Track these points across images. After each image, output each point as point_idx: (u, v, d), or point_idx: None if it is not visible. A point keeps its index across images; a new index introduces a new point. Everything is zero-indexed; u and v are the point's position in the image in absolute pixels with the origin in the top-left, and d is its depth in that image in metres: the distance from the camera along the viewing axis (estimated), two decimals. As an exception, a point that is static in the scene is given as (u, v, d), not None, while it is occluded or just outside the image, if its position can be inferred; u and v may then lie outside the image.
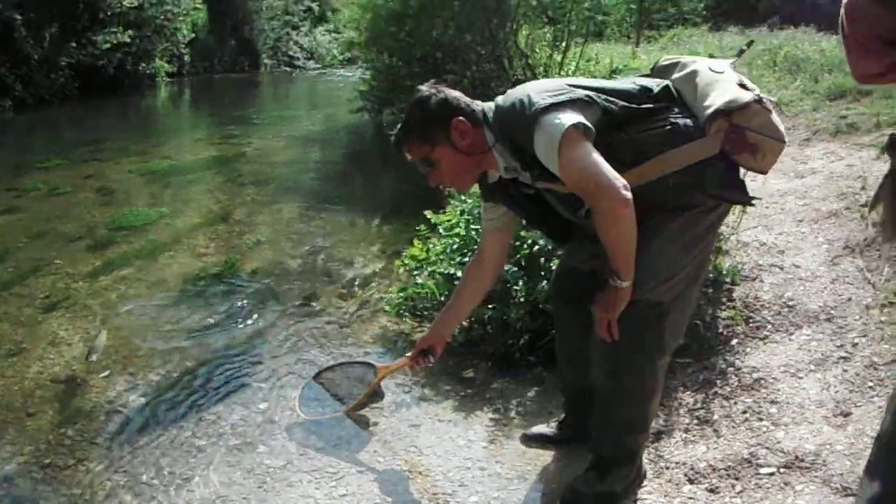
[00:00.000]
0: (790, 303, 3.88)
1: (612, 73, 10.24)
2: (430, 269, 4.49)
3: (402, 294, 4.63)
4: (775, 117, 2.39)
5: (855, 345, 3.46)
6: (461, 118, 2.55)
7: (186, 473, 3.23)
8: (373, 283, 5.41)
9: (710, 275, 3.91)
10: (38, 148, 12.17)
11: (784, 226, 4.63)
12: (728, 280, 4.03)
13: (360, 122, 13.77)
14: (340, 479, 3.13)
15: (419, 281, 4.62)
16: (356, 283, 5.46)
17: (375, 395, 3.68)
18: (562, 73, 10.74)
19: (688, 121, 2.43)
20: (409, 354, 3.37)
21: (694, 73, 2.51)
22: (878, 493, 1.61)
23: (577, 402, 3.18)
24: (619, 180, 2.23)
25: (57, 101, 18.30)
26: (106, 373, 4.21)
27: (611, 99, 2.41)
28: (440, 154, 2.60)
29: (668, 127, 2.42)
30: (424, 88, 2.65)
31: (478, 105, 2.62)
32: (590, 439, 2.94)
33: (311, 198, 8.20)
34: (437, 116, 2.57)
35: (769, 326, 3.77)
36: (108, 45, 20.09)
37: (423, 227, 4.87)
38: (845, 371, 3.32)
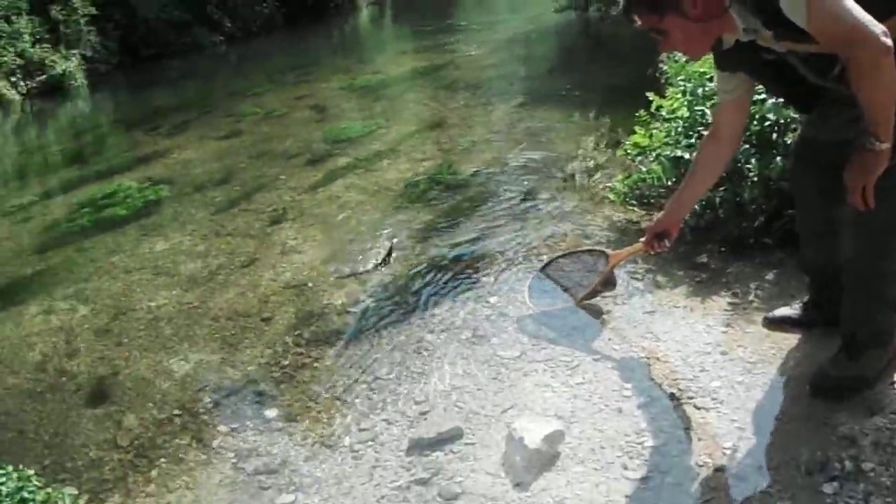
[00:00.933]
0: None
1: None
2: (655, 153, 4.33)
3: (627, 182, 4.52)
4: None
5: None
6: None
7: (421, 368, 3.32)
8: (596, 175, 5.33)
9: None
10: (250, 76, 12.70)
11: None
12: None
13: (565, 21, 13.52)
14: (576, 367, 3.11)
15: (644, 168, 4.48)
16: (578, 175, 5.40)
17: (608, 283, 3.59)
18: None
19: None
20: (642, 239, 3.26)
21: None
22: None
23: (823, 282, 2.99)
24: (877, 26, 2.00)
25: (264, 32, 18.98)
26: (334, 275, 4.39)
27: None
28: (670, 23, 2.39)
29: None
30: None
31: None
32: (839, 321, 2.77)
33: (524, 97, 8.15)
34: None
35: None
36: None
37: (642, 113, 4.69)
38: None
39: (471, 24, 15.73)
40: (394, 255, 4.53)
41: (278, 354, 3.67)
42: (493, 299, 3.81)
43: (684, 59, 4.55)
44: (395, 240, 4.71)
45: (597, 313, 3.50)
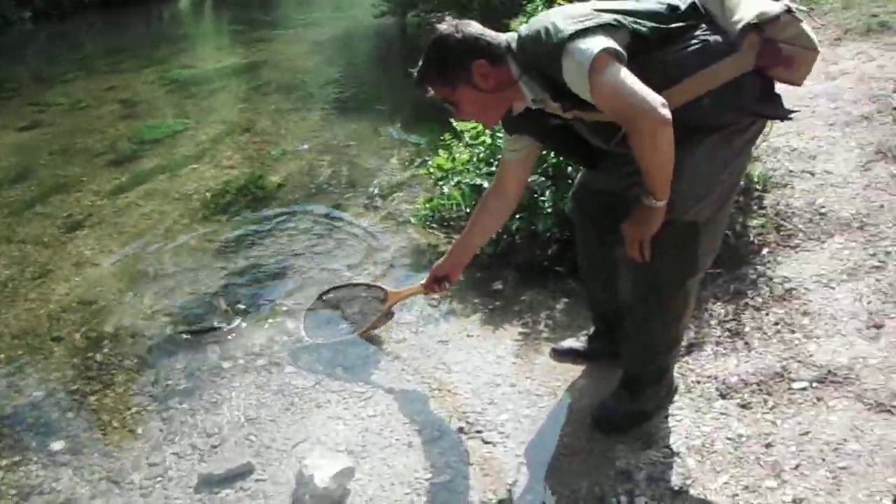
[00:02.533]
0: (822, 210, 3.79)
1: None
2: (456, 179, 4.42)
3: (428, 205, 4.59)
4: (807, 26, 2.27)
5: (888, 253, 3.39)
6: (482, 61, 2.42)
7: (214, 396, 3.27)
8: (399, 193, 5.38)
9: (741, 182, 3.81)
10: (59, 60, 12.03)
11: (815, 130, 4.48)
12: (759, 187, 3.95)
13: (384, 25, 13.49)
14: (368, 398, 3.15)
15: (445, 191, 4.56)
16: (382, 193, 5.42)
17: (387, 317, 3.66)
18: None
19: (717, 37, 2.30)
20: (423, 282, 3.35)
21: None
22: None
23: (605, 318, 3.15)
24: (656, 99, 2.12)
25: (78, 11, 17.81)
26: (130, 294, 4.24)
27: (639, 21, 2.29)
28: (461, 95, 2.49)
29: (699, 45, 2.30)
30: (443, 27, 2.51)
31: (501, 38, 2.50)
32: (620, 356, 2.92)
33: (336, 105, 8.11)
34: (457, 59, 2.44)
35: (801, 235, 3.69)
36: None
37: (448, 135, 4.77)
38: (878, 281, 3.26)
39: (290, 22, 15.50)
40: (193, 274, 4.40)
41: (67, 379, 3.52)
42: (290, 324, 3.78)
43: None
44: (186, 259, 4.60)
45: (393, 341, 3.53)
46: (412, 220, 4.71)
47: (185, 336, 3.77)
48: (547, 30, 2.26)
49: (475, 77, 2.42)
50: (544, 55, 2.27)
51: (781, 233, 3.72)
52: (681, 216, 2.37)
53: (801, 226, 3.73)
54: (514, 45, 2.42)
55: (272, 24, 15.14)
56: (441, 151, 4.72)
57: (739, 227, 3.76)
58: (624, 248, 2.51)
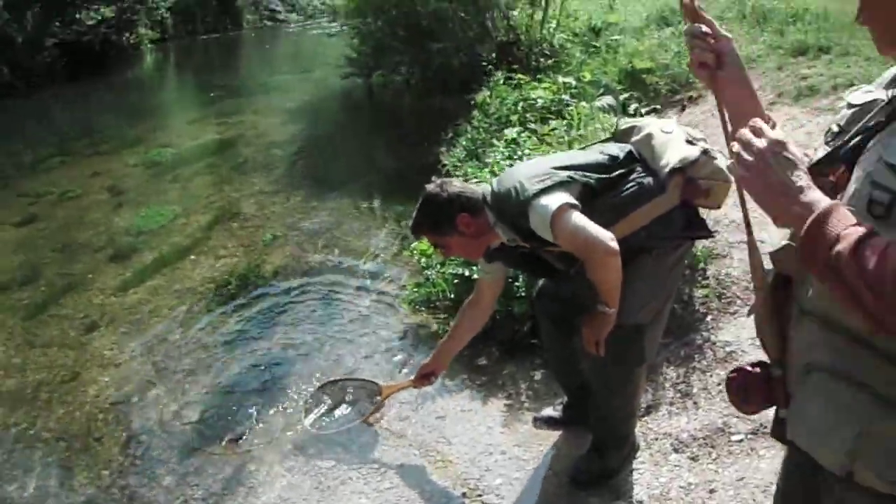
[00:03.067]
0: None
1: (592, 29, 10.70)
2: (441, 269, 5.03)
3: (416, 290, 5.20)
4: (720, 161, 2.95)
5: (812, 318, 4.04)
6: (464, 214, 3.11)
7: (251, 481, 3.83)
8: (387, 274, 5.98)
9: (686, 259, 4.46)
10: (37, 142, 12.23)
11: (751, 202, 5.14)
12: (701, 261, 4.59)
13: (350, 87, 14.03)
14: (384, 473, 3.74)
15: (430, 277, 5.17)
16: (372, 275, 6.02)
17: (379, 408, 4.22)
18: (543, 31, 11.18)
19: (650, 179, 2.98)
20: (412, 378, 4.01)
21: (650, 136, 3.06)
22: None
23: (573, 395, 3.79)
24: (606, 234, 2.79)
25: (47, 83, 17.81)
26: (157, 390, 4.77)
27: (587, 174, 2.96)
28: (449, 241, 3.21)
29: (636, 188, 2.97)
30: (431, 187, 3.21)
31: (477, 192, 3.18)
32: (589, 423, 3.57)
33: (315, 183, 8.67)
34: (444, 214, 3.13)
35: (738, 301, 4.33)
36: (93, 21, 20.20)
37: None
38: (803, 343, 3.91)
39: (259, 86, 15.88)
40: (207, 367, 4.97)
41: (116, 475, 4.05)
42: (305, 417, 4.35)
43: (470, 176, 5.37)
44: (201, 353, 5.15)
45: (396, 420, 4.12)
46: (403, 306, 5.31)
47: (213, 425, 4.33)
48: (515, 188, 2.93)
49: (460, 227, 3.11)
50: (514, 210, 2.93)
51: (722, 300, 4.37)
52: (628, 321, 3.02)
53: (738, 293, 4.37)
54: (488, 197, 3.08)
55: (240, 90, 15.49)
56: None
57: (686, 297, 4.40)
58: (582, 341, 3.15)
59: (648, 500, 3.33)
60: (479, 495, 3.52)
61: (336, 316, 5.44)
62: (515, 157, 5.77)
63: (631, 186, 2.99)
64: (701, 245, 4.67)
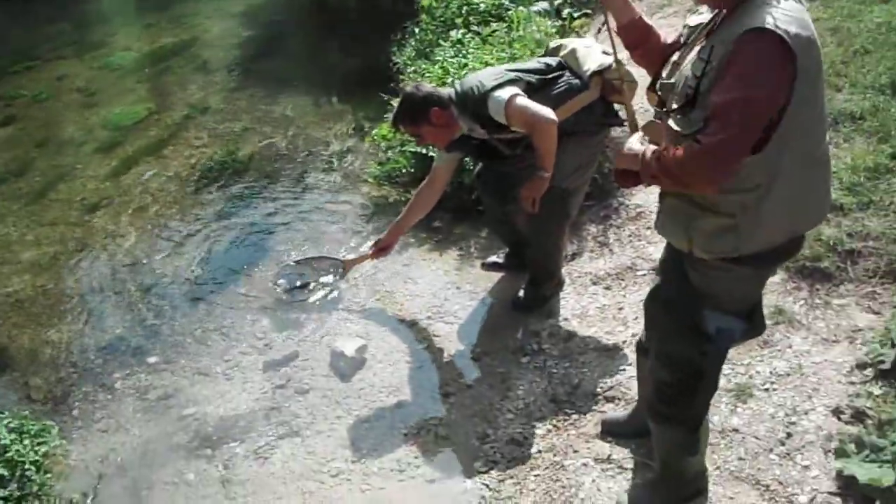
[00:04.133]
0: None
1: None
2: (401, 147, 5.86)
3: (380, 167, 6.04)
4: (628, 69, 3.86)
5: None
6: (437, 108, 3.95)
7: (248, 321, 4.80)
8: (349, 156, 6.82)
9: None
10: None
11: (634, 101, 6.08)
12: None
13: None
14: (363, 306, 4.73)
15: (391, 157, 6.01)
16: (337, 157, 6.85)
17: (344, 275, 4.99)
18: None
19: (576, 81, 3.95)
20: (370, 251, 4.71)
21: (574, 50, 4.02)
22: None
23: (512, 245, 4.77)
24: (546, 109, 3.71)
25: None
26: (160, 255, 5.64)
27: (530, 74, 3.89)
28: (425, 131, 4.05)
29: (566, 86, 3.93)
30: (408, 87, 4.11)
31: (444, 92, 4.03)
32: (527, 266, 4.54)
33: (275, 81, 9.21)
34: (420, 108, 3.97)
35: (648, 171, 5.28)
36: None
37: (389, 108, 6.20)
38: (695, 200, 4.90)
39: None
40: (204, 236, 5.83)
41: (140, 316, 4.97)
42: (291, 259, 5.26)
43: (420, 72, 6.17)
44: (203, 221, 6.01)
45: (371, 268, 5.04)
46: (369, 179, 6.15)
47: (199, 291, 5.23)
48: (476, 86, 3.84)
49: (433, 119, 3.97)
50: (476, 100, 3.83)
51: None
52: (559, 184, 3.96)
53: (647, 165, 5.32)
54: (453, 96, 3.97)
55: None
56: (382, 125, 6.18)
57: (606, 170, 5.33)
58: (520, 206, 4.07)
59: (572, 317, 4.33)
60: (441, 317, 4.52)
61: (309, 190, 6.31)
62: (460, 55, 6.45)
63: (562, 84, 3.94)
64: (620, 131, 5.58)
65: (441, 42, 7.18)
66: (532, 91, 3.84)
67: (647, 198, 5.07)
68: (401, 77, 7.51)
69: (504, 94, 3.75)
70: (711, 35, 2.24)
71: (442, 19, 7.94)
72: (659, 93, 2.40)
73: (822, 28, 5.96)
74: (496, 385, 3.99)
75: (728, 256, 2.34)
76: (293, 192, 6.34)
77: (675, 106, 2.26)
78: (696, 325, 2.51)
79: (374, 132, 6.38)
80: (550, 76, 3.95)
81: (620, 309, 4.31)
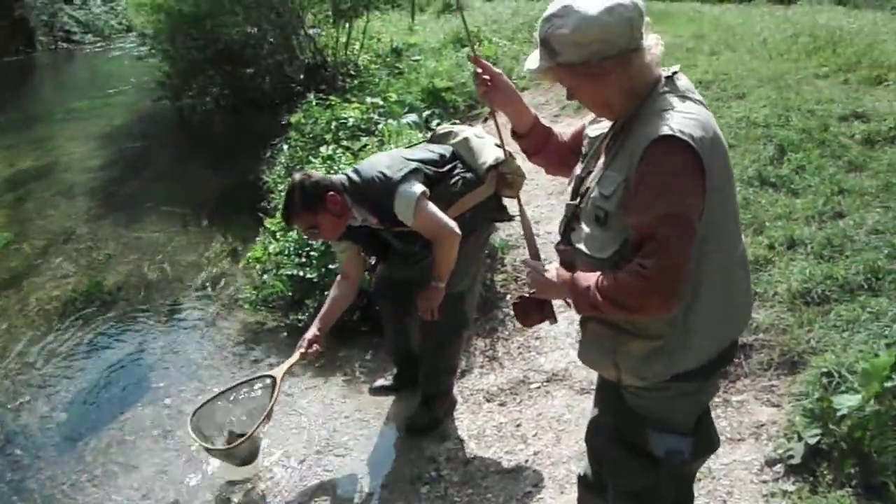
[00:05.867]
0: (546, 262, 5.35)
1: (394, 51, 11.52)
2: (276, 271, 5.67)
3: (255, 291, 5.81)
4: (518, 161, 3.84)
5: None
6: (332, 193, 3.71)
7: (129, 464, 4.41)
8: (223, 281, 6.56)
9: (487, 250, 5.31)
10: None
11: (539, 199, 6.16)
12: (500, 251, 5.47)
13: (161, 110, 13.90)
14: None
15: (266, 281, 5.81)
16: (210, 283, 6.58)
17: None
18: (347, 52, 11.94)
19: (470, 174, 3.88)
20: (299, 350, 4.05)
21: (467, 140, 3.96)
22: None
23: (404, 362, 4.58)
24: (452, 223, 3.65)
25: None
26: (22, 399, 5.17)
27: (428, 167, 3.78)
28: (322, 220, 3.73)
29: (461, 181, 3.85)
30: (298, 176, 3.80)
31: (335, 179, 3.83)
32: (417, 385, 4.38)
33: (141, 204, 8.99)
34: (315, 194, 3.68)
35: (531, 282, 5.24)
36: None
37: (264, 229, 6.08)
38: (580, 309, 4.85)
39: (65, 112, 15.36)
40: (74, 372, 5.42)
41: (-1, 471, 4.51)
42: (167, 400, 4.93)
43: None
44: (59, 367, 5.60)
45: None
46: (245, 305, 5.90)
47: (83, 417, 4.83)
48: (379, 176, 3.68)
49: (329, 204, 3.70)
50: (379, 193, 3.66)
51: (518, 282, 5.27)
52: (454, 290, 3.87)
53: (530, 276, 5.28)
54: (346, 184, 3.77)
55: (45, 116, 15.06)
56: (256, 246, 6.01)
57: (489, 282, 5.27)
58: (417, 315, 3.95)
59: (469, 438, 4.16)
60: (331, 449, 4.25)
61: (181, 320, 6.02)
62: (332, 171, 6.31)
63: (457, 179, 3.85)
64: (498, 238, 5.56)
65: (311, 159, 7.17)
66: (429, 183, 3.72)
67: (533, 308, 5.00)
68: (271, 196, 7.43)
69: (413, 190, 3.62)
70: (611, 147, 2.18)
71: (311, 135, 8.04)
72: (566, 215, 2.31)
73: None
74: (396, 521, 3.76)
75: (663, 378, 2.23)
76: (165, 323, 6.04)
77: (585, 229, 2.18)
78: (645, 451, 2.36)
79: (247, 255, 6.21)
80: (445, 168, 3.86)
81: (518, 426, 4.17)
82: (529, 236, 2.68)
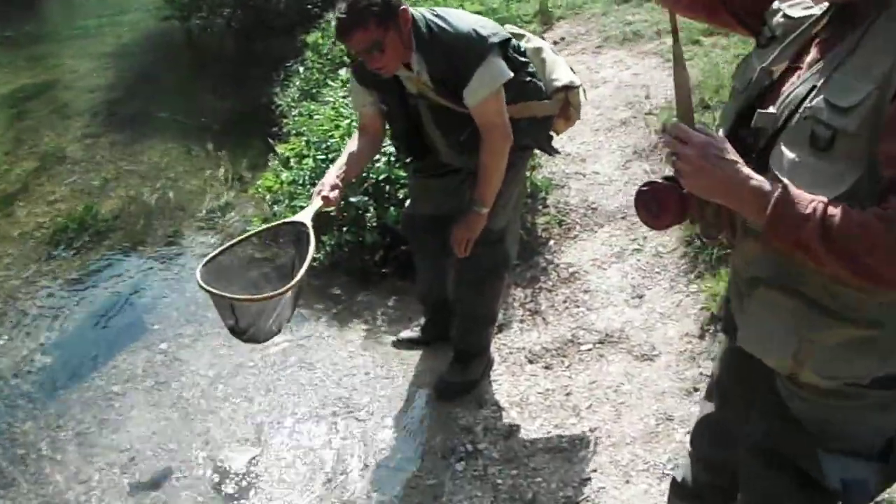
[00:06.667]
0: (593, 205, 4.76)
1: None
2: (289, 202, 5.04)
3: (265, 224, 5.18)
4: (583, 98, 3.21)
5: (645, 238, 4.39)
6: (405, 8, 2.90)
7: (116, 421, 3.79)
8: (230, 213, 5.91)
9: (528, 188, 4.69)
10: None
11: (584, 136, 5.48)
12: (542, 190, 4.84)
13: (169, 30, 13.31)
14: (251, 399, 3.80)
15: (277, 211, 5.18)
16: (214, 214, 5.94)
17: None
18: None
19: (541, 83, 3.21)
20: (322, 195, 3.10)
21: (540, 49, 3.31)
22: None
23: (436, 309, 3.95)
24: (511, 128, 3.01)
25: None
26: (4, 339, 4.57)
27: (513, 45, 3.11)
28: (389, 40, 2.85)
29: (535, 83, 3.18)
30: None
31: None
32: (447, 338, 3.78)
33: (143, 126, 8.31)
34: (391, 4, 2.85)
35: (578, 227, 4.64)
36: None
37: (275, 156, 5.44)
38: (638, 260, 4.25)
39: (65, 32, 14.79)
40: (62, 310, 4.80)
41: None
42: (163, 346, 4.33)
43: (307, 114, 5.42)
44: (47, 298, 4.99)
45: (260, 350, 4.12)
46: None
47: (68, 368, 4.25)
48: (470, 32, 2.94)
49: (401, 20, 2.88)
50: (463, 49, 2.92)
51: (563, 227, 4.65)
52: (493, 226, 3.24)
53: (577, 219, 4.68)
54: (419, 22, 2.97)
55: (46, 36, 14.50)
56: (267, 174, 5.37)
57: (530, 224, 4.65)
58: (454, 254, 3.31)
59: (510, 405, 3.57)
60: (350, 412, 3.65)
61: (183, 254, 5.40)
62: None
63: (531, 80, 3.18)
64: (541, 175, 4.93)
65: (329, 83, 6.56)
66: (512, 68, 3.05)
67: (580, 255, 4.41)
68: (284, 121, 6.82)
69: (503, 72, 2.95)
70: (841, 37, 1.52)
71: (329, 57, 7.38)
72: (755, 127, 1.61)
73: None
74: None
75: (861, 382, 1.58)
76: (164, 256, 5.40)
77: (789, 154, 1.50)
78: (811, 480, 1.69)
79: (257, 183, 5.57)
80: (522, 60, 3.17)
81: (568, 394, 3.57)
82: (684, 89, 1.72)
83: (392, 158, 4.58)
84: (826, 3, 1.59)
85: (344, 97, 5.75)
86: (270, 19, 11.57)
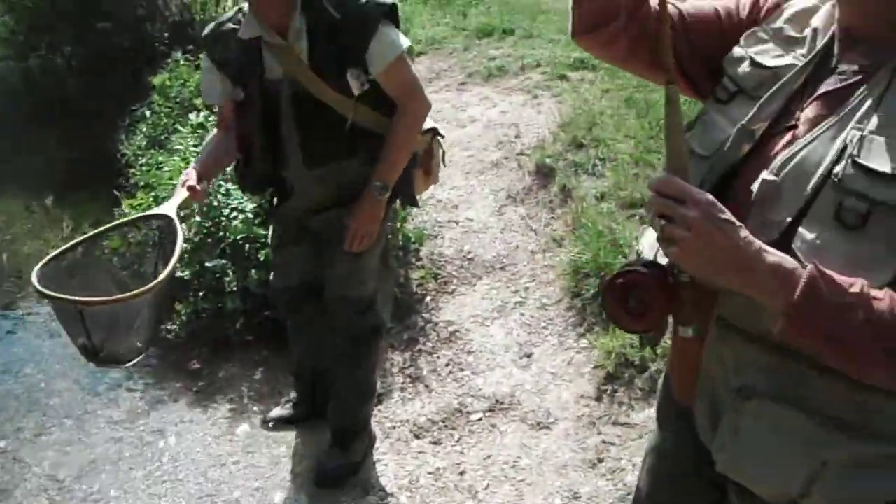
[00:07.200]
0: (469, 255, 4.49)
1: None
2: (139, 266, 4.60)
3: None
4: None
5: (527, 289, 4.14)
6: None
7: None
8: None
9: (399, 240, 4.38)
10: None
11: (455, 179, 5.20)
12: (415, 242, 4.54)
13: (3, 72, 12.54)
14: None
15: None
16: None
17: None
18: (218, 10, 10.73)
19: None
20: (187, 184, 2.72)
21: None
22: None
23: (310, 385, 3.58)
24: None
25: None
26: None
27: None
28: None
29: None
30: None
31: None
32: (325, 415, 3.39)
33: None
34: None
35: (455, 280, 4.36)
36: None
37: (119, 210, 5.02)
38: (522, 315, 4.00)
39: None
40: None
41: None
42: (0, 444, 3.80)
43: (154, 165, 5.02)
44: None
45: (107, 440, 3.65)
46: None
47: None
48: None
49: None
50: (359, 15, 2.58)
51: (439, 281, 4.36)
52: (359, 293, 3.01)
53: (454, 272, 4.40)
54: None
55: None
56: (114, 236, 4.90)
57: (403, 280, 4.34)
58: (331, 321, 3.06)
59: (398, 490, 3.22)
60: (219, 510, 3.23)
61: (23, 328, 4.86)
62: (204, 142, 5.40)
63: None
64: (412, 225, 4.65)
65: (179, 127, 6.23)
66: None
67: (460, 311, 4.13)
68: (131, 170, 6.38)
69: (401, 42, 2.67)
70: (850, 97, 1.23)
71: (178, 100, 6.98)
72: (753, 192, 1.26)
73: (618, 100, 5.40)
74: None
75: None
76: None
77: (808, 234, 1.18)
78: None
79: (102, 244, 5.06)
80: None
81: (461, 473, 3.25)
82: (678, 135, 1.30)
83: (251, 216, 4.21)
84: (803, 57, 1.34)
85: (195, 146, 5.35)
86: (114, 57, 10.97)
